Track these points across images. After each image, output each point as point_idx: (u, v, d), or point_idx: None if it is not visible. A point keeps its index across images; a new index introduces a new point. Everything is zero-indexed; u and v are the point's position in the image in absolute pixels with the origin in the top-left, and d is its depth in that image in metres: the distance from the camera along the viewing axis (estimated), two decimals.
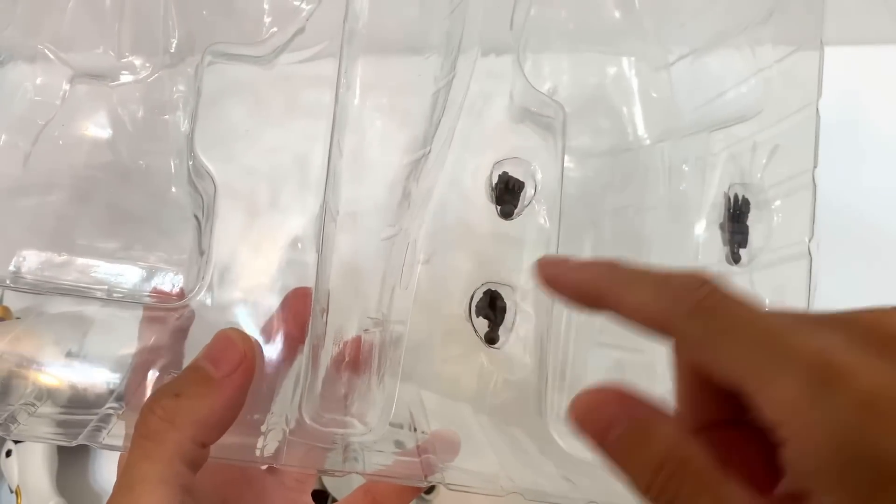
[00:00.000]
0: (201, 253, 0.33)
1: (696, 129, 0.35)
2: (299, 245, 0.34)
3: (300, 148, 0.34)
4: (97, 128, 0.36)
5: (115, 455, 0.51)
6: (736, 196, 0.35)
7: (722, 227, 0.35)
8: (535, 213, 0.35)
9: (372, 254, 0.32)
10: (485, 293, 0.34)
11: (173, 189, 0.35)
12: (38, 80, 0.36)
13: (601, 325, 0.33)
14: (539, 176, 0.35)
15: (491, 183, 0.35)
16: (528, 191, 0.35)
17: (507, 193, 0.35)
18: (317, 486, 0.46)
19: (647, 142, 0.36)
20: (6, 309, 0.51)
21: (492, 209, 0.35)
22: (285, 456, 0.29)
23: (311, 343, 0.29)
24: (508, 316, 0.34)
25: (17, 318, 0.48)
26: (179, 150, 0.35)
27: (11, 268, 0.34)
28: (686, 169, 0.35)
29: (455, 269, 0.35)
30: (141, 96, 0.36)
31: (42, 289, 0.34)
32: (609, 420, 0.19)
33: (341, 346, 0.30)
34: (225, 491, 0.30)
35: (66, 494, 0.43)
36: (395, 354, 0.31)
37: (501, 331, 0.34)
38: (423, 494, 0.45)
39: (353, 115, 0.32)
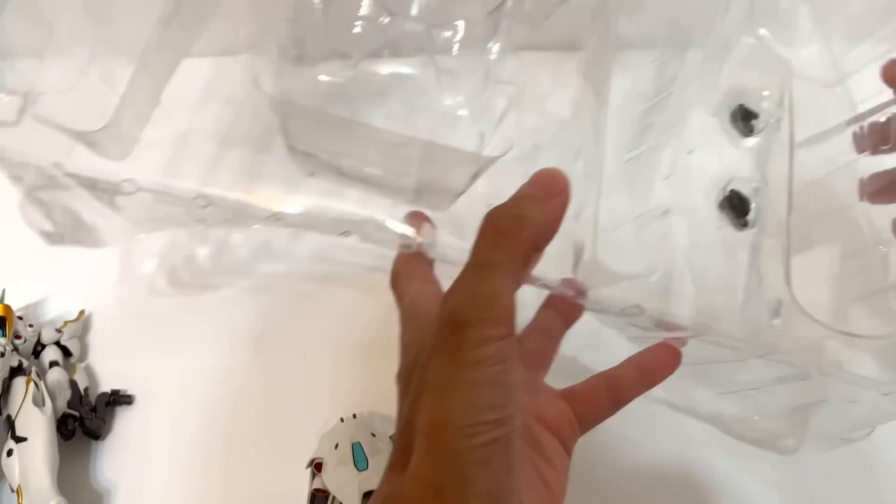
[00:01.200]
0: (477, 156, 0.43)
1: None
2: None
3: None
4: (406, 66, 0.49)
5: (116, 456, 0.51)
6: None
7: None
8: (768, 132, 0.50)
9: (615, 173, 0.44)
10: (731, 191, 0.48)
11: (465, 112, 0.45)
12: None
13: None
14: (769, 106, 0.50)
15: (730, 111, 0.51)
16: (761, 120, 0.51)
17: (744, 118, 0.50)
18: (318, 486, 0.46)
19: None
20: (7, 308, 0.51)
21: (734, 131, 0.51)
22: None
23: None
24: (751, 208, 0.48)
25: None
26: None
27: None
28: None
29: (705, 172, 0.49)
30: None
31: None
32: None
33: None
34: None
35: (67, 494, 0.43)
36: (662, 225, 0.43)
37: (747, 219, 0.48)
38: None
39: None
